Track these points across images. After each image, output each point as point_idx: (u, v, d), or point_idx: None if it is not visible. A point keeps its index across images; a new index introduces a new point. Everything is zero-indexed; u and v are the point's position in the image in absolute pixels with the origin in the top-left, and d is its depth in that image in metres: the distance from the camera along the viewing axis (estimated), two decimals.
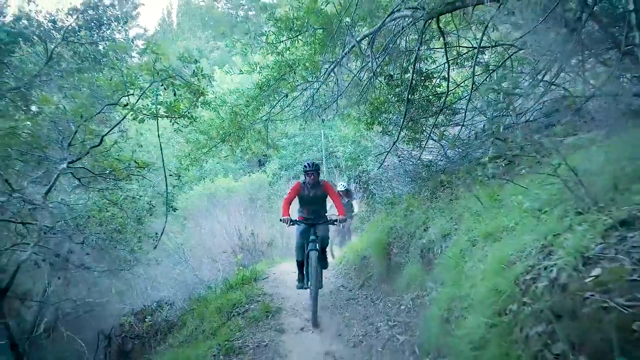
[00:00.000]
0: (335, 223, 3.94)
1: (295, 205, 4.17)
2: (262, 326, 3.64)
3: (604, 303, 1.34)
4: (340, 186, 6.73)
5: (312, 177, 3.88)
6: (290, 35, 4.49)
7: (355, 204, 7.11)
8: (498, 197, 2.86)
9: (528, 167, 2.80)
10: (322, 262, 4.03)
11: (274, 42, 4.55)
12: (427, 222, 3.65)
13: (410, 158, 5.39)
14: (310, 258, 3.66)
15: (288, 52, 4.73)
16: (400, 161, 5.76)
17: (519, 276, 1.78)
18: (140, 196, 4.88)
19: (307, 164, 3.94)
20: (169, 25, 48.16)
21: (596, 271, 1.47)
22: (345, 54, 4.77)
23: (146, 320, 5.30)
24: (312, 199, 4.00)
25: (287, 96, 5.23)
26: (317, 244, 3.76)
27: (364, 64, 4.78)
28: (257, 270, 5.73)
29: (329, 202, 4.22)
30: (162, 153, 4.17)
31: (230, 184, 9.92)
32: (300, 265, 4.00)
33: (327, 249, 4.52)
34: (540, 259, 1.75)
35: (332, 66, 4.95)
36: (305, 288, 3.94)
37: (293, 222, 3.79)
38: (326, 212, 4.17)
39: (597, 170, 2.09)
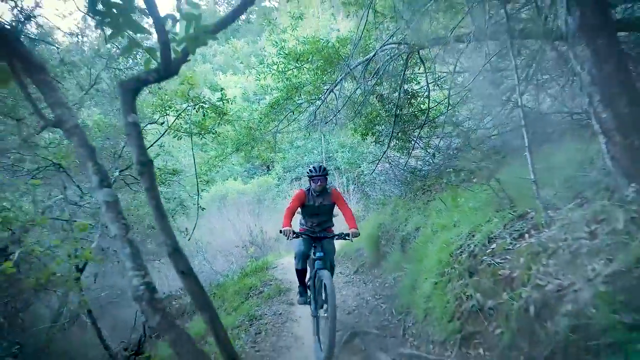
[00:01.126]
0: (346, 238, 3.23)
1: (297, 215, 3.58)
2: (276, 301, 4.56)
3: (491, 263, 2.27)
4: None
5: (319, 183, 3.29)
6: (296, 65, 5.41)
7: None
8: (457, 199, 3.78)
9: (478, 177, 3.73)
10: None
11: (284, 70, 5.47)
12: (408, 219, 4.59)
13: (399, 165, 6.30)
14: (322, 278, 3.05)
15: (294, 77, 5.65)
16: (390, 167, 6.69)
17: (453, 251, 2.71)
18: (174, 198, 5.80)
19: (313, 167, 3.33)
20: (171, 27, 48.90)
21: (492, 246, 2.40)
22: (342, 78, 5.70)
23: (174, 303, 6.22)
24: (318, 209, 3.41)
25: (293, 112, 6.15)
26: (327, 263, 3.20)
27: (358, 85, 5.70)
28: (267, 261, 6.66)
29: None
30: (194, 164, 5.07)
31: (240, 186, 10.84)
32: (301, 274, 3.46)
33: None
34: (467, 240, 2.68)
35: (331, 87, 5.88)
36: (308, 303, 3.43)
37: (296, 235, 3.22)
38: (333, 225, 3.57)
39: (515, 181, 3.01)
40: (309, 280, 3.43)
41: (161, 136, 5.00)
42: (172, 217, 5.65)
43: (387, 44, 5.21)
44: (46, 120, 1.77)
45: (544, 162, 2.61)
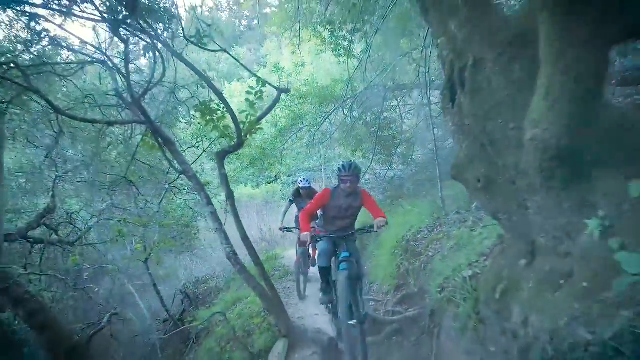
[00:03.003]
0: (372, 230, 2.90)
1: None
2: (285, 280, 6.17)
3: (414, 245, 3.89)
4: (301, 182, 4.66)
5: (348, 184, 2.92)
6: (299, 101, 7.04)
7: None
8: (414, 205, 5.40)
9: (425, 191, 5.35)
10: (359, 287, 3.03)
11: (289, 105, 7.11)
12: (393, 220, 6.21)
13: (378, 177, 7.95)
14: (339, 281, 2.77)
15: (298, 109, 7.28)
16: (374, 178, 8.33)
17: (400, 239, 4.33)
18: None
19: (344, 165, 2.95)
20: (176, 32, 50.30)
21: (418, 235, 4.02)
22: (335, 109, 7.32)
23: (201, 286, 7.86)
24: (346, 210, 3.06)
25: (296, 135, 7.78)
26: (351, 265, 2.86)
27: (347, 116, 7.33)
28: (275, 253, 8.28)
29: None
30: (228, 180, 6.69)
31: (250, 191, 12.45)
32: (326, 272, 3.09)
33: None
34: (407, 232, 4.30)
35: (326, 116, 7.50)
36: (328, 306, 3.22)
37: (317, 239, 3.00)
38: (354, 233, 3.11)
39: (451, 194, 4.64)
40: (332, 284, 3.04)
41: (198, 157, 6.59)
42: (205, 219, 7.28)
43: (370, 86, 6.84)
44: (177, 170, 3.45)
45: (451, 187, 4.24)
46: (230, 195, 3.26)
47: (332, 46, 6.43)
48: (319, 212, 3.34)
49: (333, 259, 3.02)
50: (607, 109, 1.40)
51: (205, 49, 3.52)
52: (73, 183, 6.68)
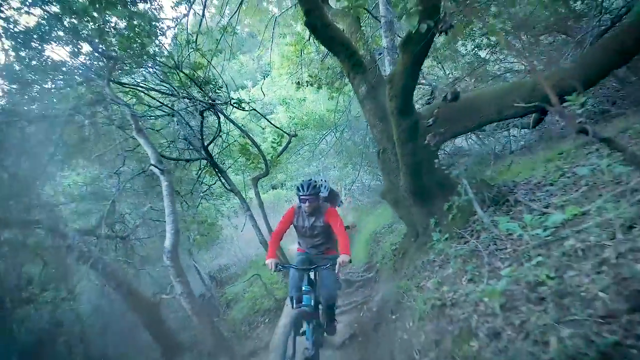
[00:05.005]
0: (333, 268, 2.63)
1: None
2: None
3: (380, 236, 5.85)
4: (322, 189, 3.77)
5: (307, 204, 2.79)
6: (301, 126, 9.01)
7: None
8: (383, 208, 7.34)
9: None
10: (328, 327, 2.96)
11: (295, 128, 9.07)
12: (365, 218, 8.17)
13: (365, 185, 9.91)
14: (308, 322, 2.62)
15: (300, 131, 9.23)
16: (362, 185, 10.30)
17: (372, 233, 6.29)
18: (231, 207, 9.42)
19: (302, 184, 2.82)
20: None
21: (382, 230, 5.98)
22: (330, 131, 9.28)
23: (224, 272, 9.84)
24: (310, 231, 2.93)
25: (299, 152, 9.74)
26: (312, 299, 2.70)
27: (339, 137, 9.29)
28: (281, 247, 10.26)
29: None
30: (260, 196, 8.67)
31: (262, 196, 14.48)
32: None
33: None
34: (377, 228, 6.27)
35: (323, 137, 9.47)
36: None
37: (281, 268, 2.67)
38: (332, 250, 2.98)
39: None
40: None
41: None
42: (229, 218, 9.19)
43: (359, 115, 8.76)
44: (227, 189, 5.45)
45: None
46: (261, 205, 5.22)
47: (327, 86, 8.38)
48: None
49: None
50: (433, 174, 3.34)
51: (243, 110, 5.47)
52: (127, 192, 8.65)
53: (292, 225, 3.01)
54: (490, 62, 6.84)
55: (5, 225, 4.99)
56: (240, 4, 6.06)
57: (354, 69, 3.52)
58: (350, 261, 2.60)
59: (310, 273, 2.82)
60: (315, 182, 2.89)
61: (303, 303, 2.72)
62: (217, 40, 5.51)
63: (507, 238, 2.36)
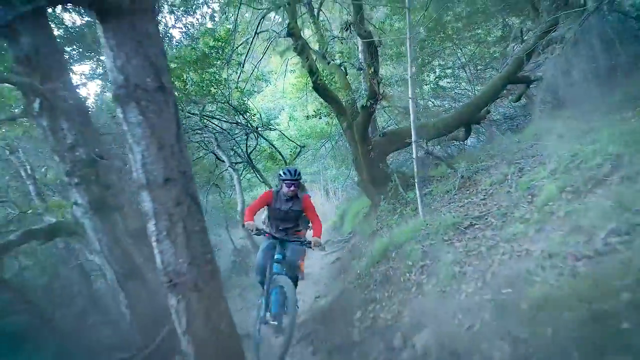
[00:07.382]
0: (308, 246, 3.04)
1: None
2: None
3: (363, 214, 8.71)
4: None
5: (291, 188, 3.12)
6: (306, 137, 11.87)
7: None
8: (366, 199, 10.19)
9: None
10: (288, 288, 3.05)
11: (299, 138, 11.92)
12: (352, 204, 11.03)
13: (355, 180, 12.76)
14: (280, 284, 2.94)
15: (305, 140, 12.09)
16: (353, 182, 13.15)
17: (358, 212, 9.14)
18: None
19: (287, 170, 3.14)
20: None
21: (366, 209, 8.84)
22: (328, 140, 12.13)
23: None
24: (285, 214, 3.23)
25: (304, 156, 12.59)
26: (284, 268, 3.07)
27: (335, 144, 12.15)
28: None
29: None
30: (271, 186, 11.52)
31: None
32: (262, 273, 3.19)
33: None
34: (363, 208, 9.12)
35: (322, 144, 12.32)
36: (265, 323, 3.10)
37: (259, 232, 3.05)
38: (300, 231, 3.46)
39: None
40: (264, 283, 3.11)
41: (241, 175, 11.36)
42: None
43: None
44: (263, 182, 8.42)
45: None
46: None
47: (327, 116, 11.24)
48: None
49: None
50: (380, 171, 6.16)
51: (270, 129, 8.31)
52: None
53: (265, 207, 3.39)
54: (447, 89, 9.82)
55: None
56: (264, 53, 8.86)
57: (339, 113, 6.34)
58: (321, 244, 3.08)
59: (283, 245, 3.18)
60: (299, 171, 3.26)
61: (274, 270, 3.09)
62: (252, 84, 8.35)
63: (411, 201, 5.21)
